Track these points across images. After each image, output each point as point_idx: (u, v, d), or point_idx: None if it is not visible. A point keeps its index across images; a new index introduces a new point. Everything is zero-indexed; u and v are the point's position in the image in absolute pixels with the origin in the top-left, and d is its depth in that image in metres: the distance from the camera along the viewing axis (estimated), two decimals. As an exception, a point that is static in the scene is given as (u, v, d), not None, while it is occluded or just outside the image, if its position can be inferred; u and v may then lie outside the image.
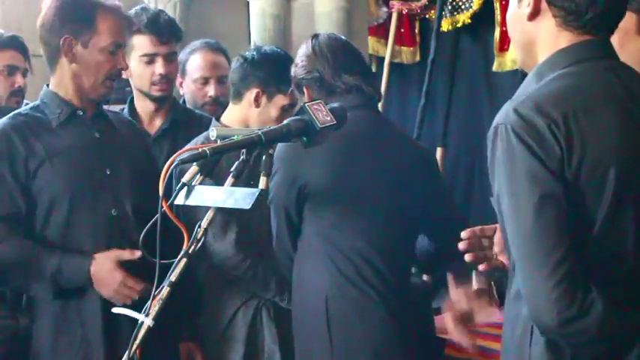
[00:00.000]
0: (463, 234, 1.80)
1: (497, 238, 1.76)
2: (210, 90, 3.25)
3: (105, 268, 2.36)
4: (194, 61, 3.28)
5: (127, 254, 2.36)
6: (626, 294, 1.54)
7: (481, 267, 1.81)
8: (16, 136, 2.40)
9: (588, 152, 1.49)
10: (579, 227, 1.50)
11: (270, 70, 2.67)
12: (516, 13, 1.65)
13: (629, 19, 2.04)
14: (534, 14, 1.61)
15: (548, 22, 1.60)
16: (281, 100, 2.69)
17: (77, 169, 2.43)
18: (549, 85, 1.56)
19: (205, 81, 3.26)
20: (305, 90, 2.44)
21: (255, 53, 2.71)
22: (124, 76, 3.08)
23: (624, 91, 1.57)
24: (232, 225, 2.58)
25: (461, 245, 1.82)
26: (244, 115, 2.72)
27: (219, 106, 3.16)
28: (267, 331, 2.69)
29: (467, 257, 1.81)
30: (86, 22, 2.42)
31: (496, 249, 1.78)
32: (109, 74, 2.47)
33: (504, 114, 1.54)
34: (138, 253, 2.29)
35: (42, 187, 2.39)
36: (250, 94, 2.69)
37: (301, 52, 2.46)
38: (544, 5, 1.59)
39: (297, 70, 2.45)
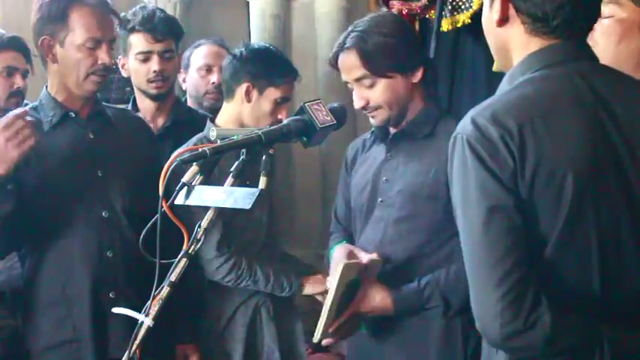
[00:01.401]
0: None
1: None
2: (213, 77, 3.37)
3: None
4: (198, 52, 3.44)
5: None
6: (588, 304, 1.50)
7: None
8: None
9: (544, 160, 1.46)
10: (535, 238, 1.48)
11: (259, 64, 2.66)
12: (488, 18, 1.63)
13: (633, 14, 1.96)
14: (503, 21, 1.59)
15: (517, 28, 1.58)
16: (273, 93, 2.66)
17: (67, 172, 2.39)
18: (514, 91, 1.55)
19: (209, 68, 3.40)
20: (420, 70, 2.38)
21: (243, 49, 2.71)
22: (124, 74, 3.11)
23: (591, 95, 1.53)
24: (216, 227, 2.53)
25: None
26: (237, 113, 2.69)
27: (221, 94, 3.18)
28: (266, 331, 2.68)
29: None
30: (60, 21, 2.38)
31: None
32: (90, 70, 2.40)
33: (463, 123, 1.53)
34: None
35: (32, 190, 2.35)
36: (241, 90, 2.67)
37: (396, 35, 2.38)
38: (512, 12, 1.58)
39: (406, 48, 2.38)
